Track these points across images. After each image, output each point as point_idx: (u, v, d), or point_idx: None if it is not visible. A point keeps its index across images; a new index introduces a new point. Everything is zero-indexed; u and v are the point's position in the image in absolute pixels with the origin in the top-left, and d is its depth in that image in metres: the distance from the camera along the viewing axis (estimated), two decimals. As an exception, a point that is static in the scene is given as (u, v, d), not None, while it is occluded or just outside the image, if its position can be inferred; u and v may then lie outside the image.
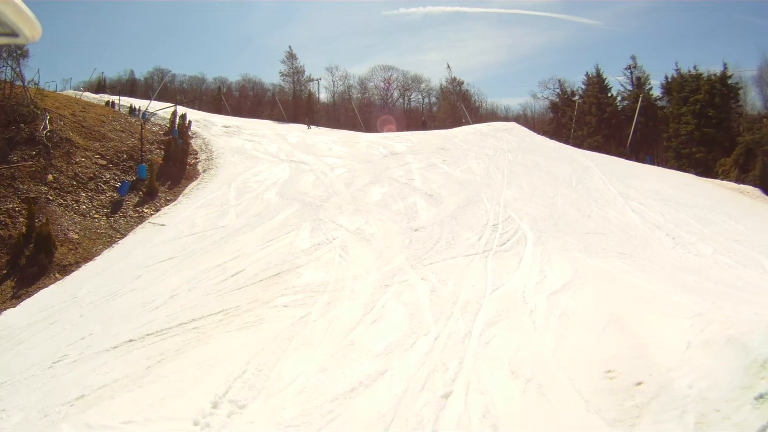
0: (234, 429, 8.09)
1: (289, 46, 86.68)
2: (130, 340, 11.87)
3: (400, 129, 59.29)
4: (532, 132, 49.47)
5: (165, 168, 29.03)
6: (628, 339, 9.69)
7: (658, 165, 51.43)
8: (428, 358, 9.85)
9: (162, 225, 21.84)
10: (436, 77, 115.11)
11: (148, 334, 12.01)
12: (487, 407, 8.07)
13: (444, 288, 13.70)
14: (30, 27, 2.46)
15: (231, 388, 9.01)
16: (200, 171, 29.71)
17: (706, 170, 48.47)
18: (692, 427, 6.77)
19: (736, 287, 13.75)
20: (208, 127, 40.65)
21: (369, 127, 70.37)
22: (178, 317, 12.71)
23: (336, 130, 52.83)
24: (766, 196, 35.32)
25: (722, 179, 42.89)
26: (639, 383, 8.06)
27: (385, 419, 7.93)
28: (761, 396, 6.60)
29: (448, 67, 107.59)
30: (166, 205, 25.11)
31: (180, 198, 25.84)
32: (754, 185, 39.22)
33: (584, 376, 8.68)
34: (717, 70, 57.33)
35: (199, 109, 64.89)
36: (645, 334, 9.79)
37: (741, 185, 38.77)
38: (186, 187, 27.45)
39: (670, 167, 47.95)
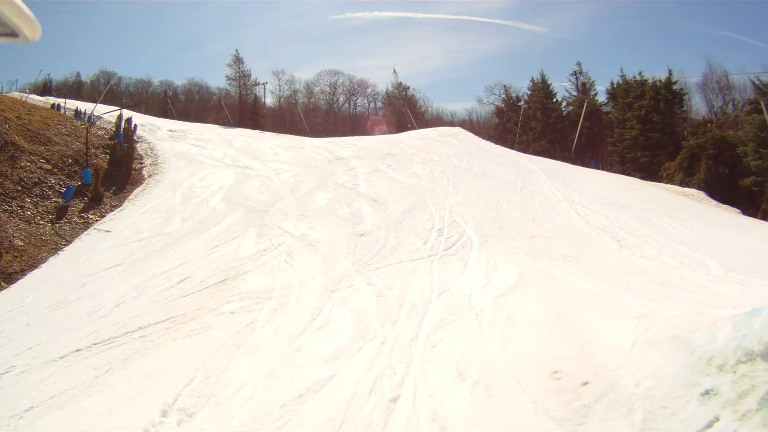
0: (184, 438, 8.00)
1: (236, 50, 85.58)
2: (78, 350, 11.62)
3: (345, 134, 59.32)
4: (477, 137, 49.83)
5: (110, 173, 28.59)
6: (574, 340, 9.82)
7: (603, 169, 52.04)
8: (375, 363, 9.87)
9: (107, 231, 21.54)
10: (382, 82, 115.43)
11: (95, 343, 11.79)
12: (435, 410, 8.10)
13: (390, 293, 13.78)
14: (30, 27, 2.46)
15: (180, 396, 8.89)
16: (145, 176, 29.42)
17: (650, 174, 49.18)
18: (640, 425, 6.85)
19: (681, 288, 13.94)
20: (153, 131, 40.21)
21: (315, 131, 70.25)
22: (125, 325, 12.53)
23: (282, 135, 52.56)
24: (710, 199, 36.01)
25: (667, 183, 43.55)
26: (586, 383, 8.16)
27: (334, 424, 7.91)
28: (707, 392, 6.69)
29: (395, 72, 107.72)
30: (112, 210, 24.72)
31: (125, 204, 25.50)
32: (699, 188, 40.04)
33: (531, 377, 8.78)
34: (662, 76, 58.45)
35: (145, 112, 64.00)
36: (591, 334, 9.94)
37: (685, 188, 39.54)
38: (131, 192, 27.10)
39: (615, 171, 48.73)
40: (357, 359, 10.11)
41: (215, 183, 27.47)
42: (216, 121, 69.39)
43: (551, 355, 9.38)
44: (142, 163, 31.67)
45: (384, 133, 56.82)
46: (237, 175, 29.09)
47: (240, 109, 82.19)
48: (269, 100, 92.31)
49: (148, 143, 35.99)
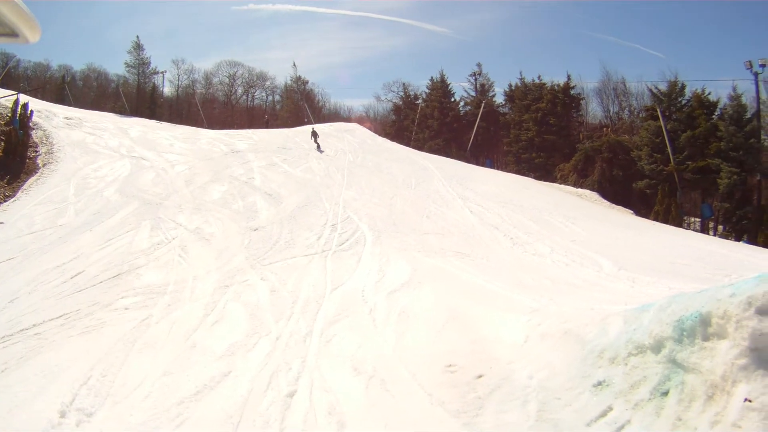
0: (84, 439, 7.84)
1: (137, 36, 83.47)
2: (-29, 350, 11.32)
3: (242, 127, 58.85)
4: (373, 133, 50.08)
5: (4, 161, 28.00)
6: (468, 335, 9.98)
7: (498, 169, 52.88)
8: (271, 358, 9.85)
9: (0, 223, 20.91)
10: (281, 75, 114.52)
11: (-11, 342, 11.48)
12: (332, 404, 8.12)
13: (284, 288, 13.80)
14: (30, 27, 2.42)
15: (77, 396, 8.63)
16: (40, 165, 28.83)
17: (545, 175, 50.36)
18: (534, 416, 6.99)
19: (573, 285, 14.29)
20: (49, 118, 39.23)
21: (212, 123, 69.50)
22: (19, 323, 12.08)
23: (178, 126, 51.96)
24: (603, 200, 37.11)
25: (561, 183, 44.56)
26: (480, 376, 8.30)
27: (232, 420, 7.84)
28: (599, 383, 6.89)
29: (294, 65, 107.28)
30: (5, 201, 24.12)
31: (19, 194, 24.89)
32: (592, 189, 41.23)
33: (426, 370, 8.87)
34: (561, 80, 59.77)
35: (42, 98, 61.82)
36: (484, 329, 10.11)
37: (579, 189, 40.73)
38: (25, 182, 26.53)
39: (510, 171, 49.88)
40: (252, 355, 10.08)
41: (110, 174, 27.08)
42: (113, 110, 67.35)
43: (445, 350, 9.50)
44: (36, 152, 31.03)
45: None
46: (132, 166, 28.80)
47: (138, 97, 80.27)
48: (167, 90, 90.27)
49: (44, 131, 35.31)
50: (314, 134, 38.58)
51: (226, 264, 15.71)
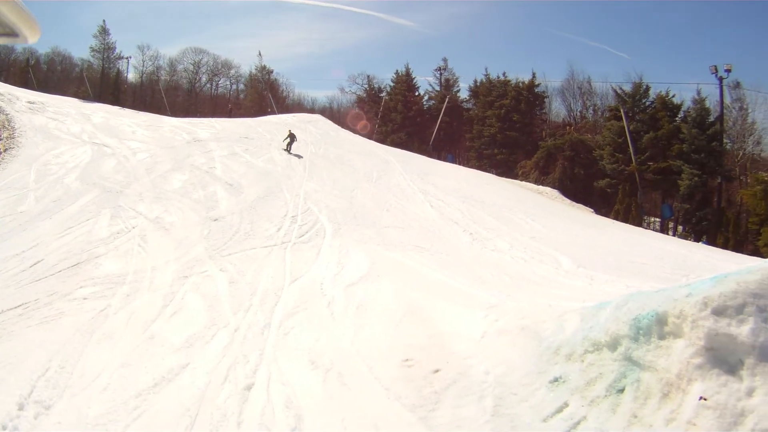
0: (42, 431, 7.76)
1: (103, 21, 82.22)
2: (-71, 340, 11.16)
3: (204, 115, 58.45)
4: (337, 125, 49.90)
5: (-34, 146, 27.29)
6: (425, 329, 10.02)
7: (460, 164, 53.14)
8: (229, 351, 9.85)
9: (-41, 209, 20.59)
10: (246, 64, 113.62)
11: (-52, 333, 11.33)
12: (289, 397, 8.13)
13: (243, 279, 13.77)
14: (29, 27, 2.40)
15: (35, 388, 8.55)
16: (1, 150, 28.22)
17: (506, 171, 50.68)
18: (491, 410, 7.04)
19: (532, 281, 14.37)
20: (12, 102, 38.55)
21: (175, 110, 69.00)
22: (-22, 312, 12.04)
23: (141, 113, 51.14)
24: (564, 198, 37.32)
25: (522, 180, 44.79)
26: (437, 370, 8.35)
27: (190, 413, 7.82)
28: (555, 380, 6.95)
29: (260, 54, 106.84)
30: (-34, 187, 23.57)
31: (-22, 179, 24.31)
32: (553, 187, 41.47)
33: (383, 364, 8.93)
34: (526, 78, 59.96)
35: (6, 81, 61.09)
36: (441, 324, 10.17)
37: (540, 186, 40.92)
38: (-15, 167, 25.85)
39: (472, 167, 49.74)
40: (210, 347, 10.06)
41: (71, 160, 26.62)
42: (77, 95, 66.62)
43: (402, 344, 9.57)
44: (-2, 136, 30.41)
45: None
46: (93, 152, 28.31)
47: (102, 83, 79.46)
48: (132, 76, 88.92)
49: (6, 114, 34.67)
50: (291, 137, 34.50)
51: (186, 254, 15.62)
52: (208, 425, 7.60)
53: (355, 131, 51.93)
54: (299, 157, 29.41)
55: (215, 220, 18.98)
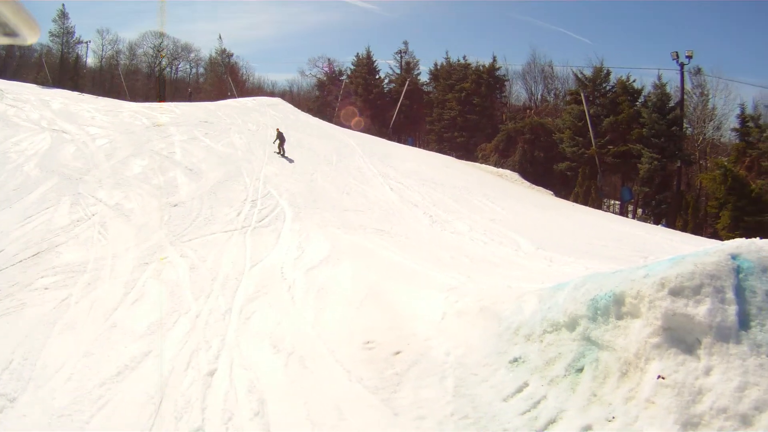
0: (8, 425, 7.71)
1: (62, 4, 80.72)
2: None
3: (163, 100, 57.86)
4: (296, 109, 49.66)
5: None
6: (386, 311, 10.16)
7: (420, 147, 53.00)
8: (191, 337, 9.87)
9: None
10: (207, 48, 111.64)
11: None
12: (252, 382, 8.19)
13: (203, 265, 13.77)
14: (29, 27, 2.37)
15: (-1, 381, 8.59)
16: (-42, 140, 27.80)
17: (466, 154, 50.60)
18: (452, 391, 7.14)
19: (491, 263, 14.55)
20: (-31, 90, 37.96)
21: (134, 95, 68.23)
22: (-59, 304, 11.90)
23: (100, 98, 50.34)
24: (523, 180, 37.53)
25: (482, 163, 44.91)
26: (397, 352, 8.48)
27: (154, 401, 7.82)
28: (515, 360, 7.04)
29: (220, 38, 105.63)
30: None
31: (-65, 170, 23.91)
32: (513, 170, 41.58)
33: (344, 347, 9.04)
34: (486, 61, 59.70)
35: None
36: (402, 306, 10.30)
37: (500, 169, 41.05)
38: (-57, 157, 25.43)
39: (432, 150, 49.69)
40: (172, 333, 10.07)
41: (30, 148, 26.11)
42: (36, 81, 65.56)
43: (363, 326, 9.67)
44: (-44, 125, 29.95)
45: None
46: (53, 139, 27.78)
47: (61, 68, 77.91)
48: (91, 60, 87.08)
49: (-37, 103, 34.08)
50: (280, 138, 30.66)
51: (146, 241, 15.51)
52: (172, 412, 7.61)
53: (315, 115, 51.72)
54: (291, 161, 28.67)
55: (175, 205, 18.85)
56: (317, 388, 7.97)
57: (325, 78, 74.27)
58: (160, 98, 61.41)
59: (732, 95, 45.82)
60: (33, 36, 2.45)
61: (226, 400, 7.78)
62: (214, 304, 11.34)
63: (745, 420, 4.92)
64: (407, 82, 62.23)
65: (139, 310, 11.18)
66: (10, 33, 2.40)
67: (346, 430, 7.06)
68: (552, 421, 6.01)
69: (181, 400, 7.83)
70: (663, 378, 5.37)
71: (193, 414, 7.55)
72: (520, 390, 6.63)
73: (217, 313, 10.86)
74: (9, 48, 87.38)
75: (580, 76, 49.79)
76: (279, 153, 29.01)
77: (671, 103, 43.42)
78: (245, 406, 7.62)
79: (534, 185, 38.83)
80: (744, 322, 5.44)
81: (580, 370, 6.22)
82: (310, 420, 7.25)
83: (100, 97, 51.00)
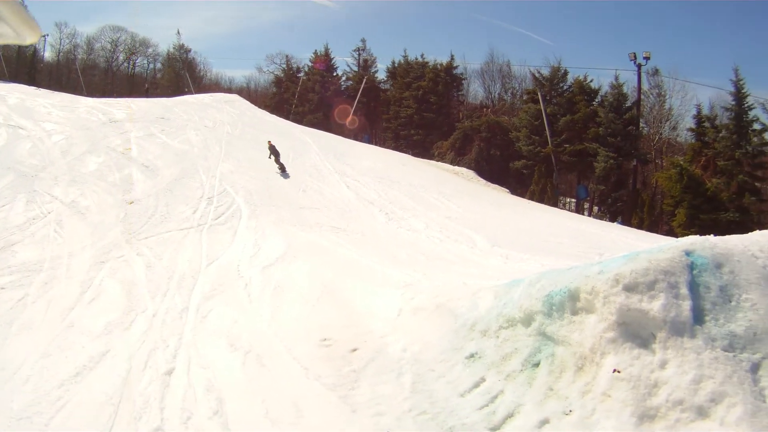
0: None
1: (21, -5, 79.36)
2: None
3: (121, 96, 57.30)
4: (253, 106, 49.41)
5: None
6: (342, 309, 10.27)
7: (377, 145, 53.04)
8: (148, 336, 9.86)
9: None
10: (165, 43, 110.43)
11: None
12: (210, 381, 8.21)
13: (160, 263, 13.77)
14: (29, 28, 2.36)
15: (-43, 385, 8.44)
16: None
17: (423, 152, 50.63)
18: (409, 387, 7.23)
19: (447, 260, 14.70)
20: None
21: (91, 90, 67.44)
22: None
23: (57, 93, 49.60)
24: (479, 178, 37.63)
25: (438, 161, 45.01)
26: (354, 349, 8.59)
27: (113, 401, 7.81)
28: (471, 355, 7.11)
29: (178, 33, 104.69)
30: None
31: None
32: (469, 168, 41.68)
33: (301, 345, 9.11)
34: (444, 60, 59.83)
35: None
36: (358, 303, 10.44)
37: (456, 167, 41.11)
38: None
39: (388, 147, 49.58)
40: (130, 333, 10.06)
41: (-16, 144, 25.80)
42: (-9, 76, 64.98)
43: (320, 324, 9.75)
44: None
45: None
46: (8, 135, 27.38)
47: (17, 62, 76.83)
48: (48, 54, 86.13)
49: None
50: (274, 152, 27.49)
51: (102, 239, 15.41)
52: (131, 412, 7.59)
53: (272, 112, 51.54)
54: (286, 176, 27.41)
55: (131, 203, 18.72)
56: (275, 386, 8.01)
57: (282, 75, 73.97)
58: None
59: (688, 96, 46.45)
60: (33, 36, 2.46)
61: (185, 400, 7.77)
62: (171, 302, 11.33)
63: (702, 412, 5.02)
64: (364, 80, 62.19)
65: (96, 310, 11.11)
66: (10, 33, 2.41)
67: (304, 428, 7.10)
68: (510, 416, 6.08)
69: (139, 399, 7.82)
70: (619, 372, 5.46)
71: (152, 414, 7.53)
72: (477, 385, 6.71)
73: (174, 312, 10.86)
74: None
75: (537, 75, 50.04)
76: (280, 171, 26.25)
77: (628, 103, 43.80)
78: (204, 405, 7.64)
79: (490, 183, 38.93)
80: (698, 317, 5.54)
81: (537, 365, 6.31)
82: (268, 418, 7.30)
83: (56, 92, 50.24)
